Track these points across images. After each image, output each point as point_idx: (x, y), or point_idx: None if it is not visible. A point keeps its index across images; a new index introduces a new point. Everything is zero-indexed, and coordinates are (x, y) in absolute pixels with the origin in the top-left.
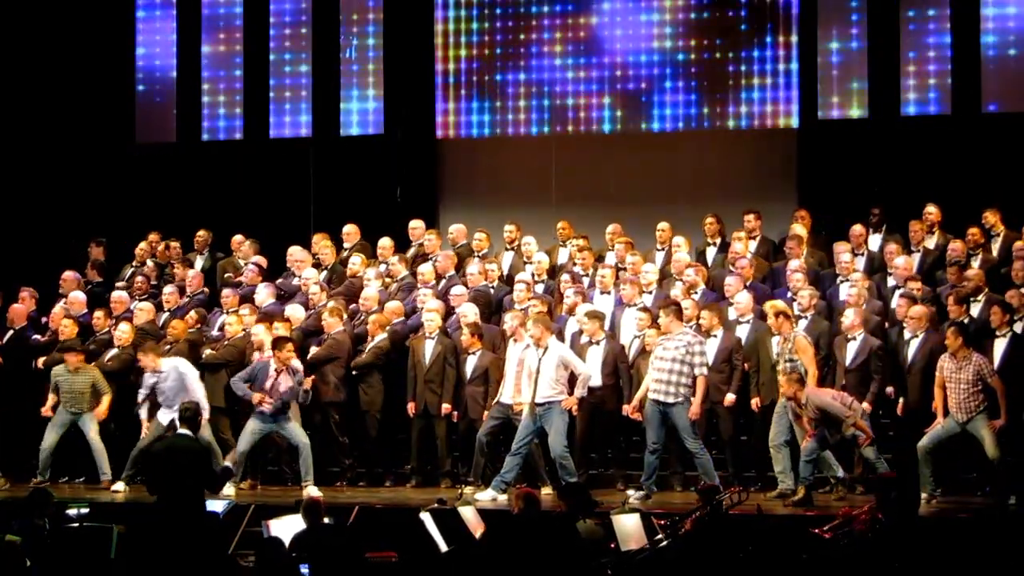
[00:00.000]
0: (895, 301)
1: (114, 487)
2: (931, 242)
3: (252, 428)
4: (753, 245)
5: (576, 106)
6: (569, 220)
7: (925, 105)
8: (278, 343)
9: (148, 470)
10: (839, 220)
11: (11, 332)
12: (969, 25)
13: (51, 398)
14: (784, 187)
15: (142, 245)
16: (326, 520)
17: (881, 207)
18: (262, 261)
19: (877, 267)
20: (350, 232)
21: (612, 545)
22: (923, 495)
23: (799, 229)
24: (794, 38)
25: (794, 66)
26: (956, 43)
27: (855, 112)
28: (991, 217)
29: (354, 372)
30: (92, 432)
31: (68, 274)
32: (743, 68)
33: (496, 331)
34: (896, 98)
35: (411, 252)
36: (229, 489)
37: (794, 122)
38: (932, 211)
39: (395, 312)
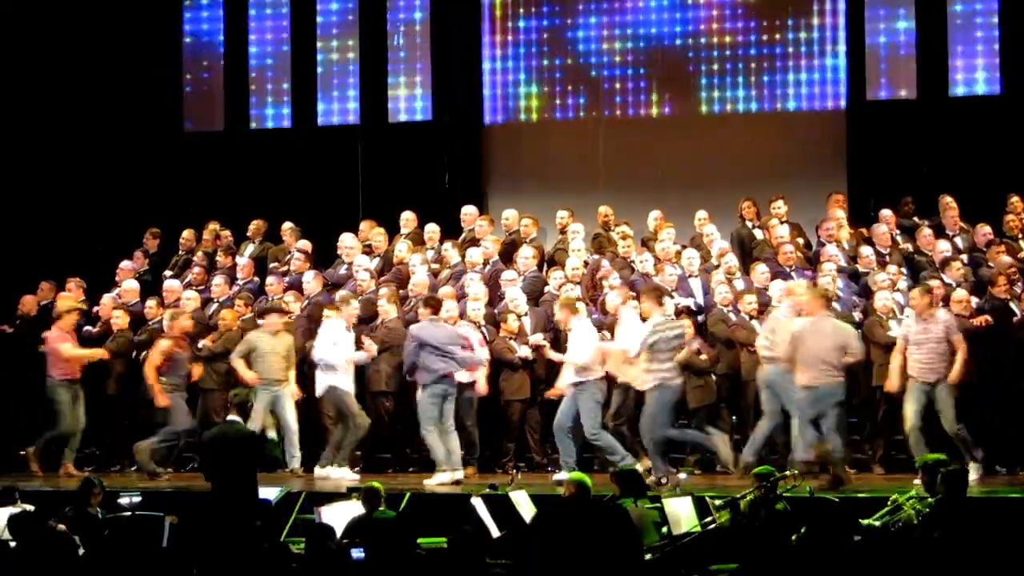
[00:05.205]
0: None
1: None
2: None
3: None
4: (785, 230)
5: (624, 90)
6: (617, 204)
7: (974, 85)
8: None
9: (200, 458)
10: (888, 202)
11: None
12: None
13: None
14: (833, 169)
15: (185, 234)
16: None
17: (913, 197)
18: (307, 246)
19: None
20: (409, 219)
21: (664, 528)
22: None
23: (838, 212)
24: (842, 19)
25: (842, 47)
26: (1004, 22)
27: (904, 92)
28: None
29: None
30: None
31: (125, 263)
32: (791, 49)
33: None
34: (945, 78)
35: (462, 238)
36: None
37: (843, 103)
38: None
39: (448, 298)
